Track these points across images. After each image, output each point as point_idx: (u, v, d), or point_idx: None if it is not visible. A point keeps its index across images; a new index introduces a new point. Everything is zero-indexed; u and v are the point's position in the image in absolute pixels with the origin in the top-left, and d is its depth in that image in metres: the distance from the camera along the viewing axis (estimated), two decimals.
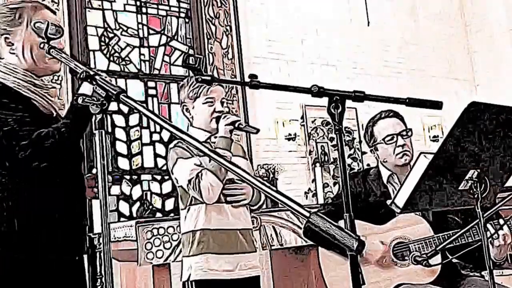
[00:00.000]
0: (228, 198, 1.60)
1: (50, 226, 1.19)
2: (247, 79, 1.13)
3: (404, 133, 1.78)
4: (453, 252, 1.57)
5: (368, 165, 3.63)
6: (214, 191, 1.52)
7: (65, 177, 1.23)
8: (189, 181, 1.53)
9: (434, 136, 4.36)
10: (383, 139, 1.78)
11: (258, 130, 1.64)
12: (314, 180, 3.62)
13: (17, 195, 1.15)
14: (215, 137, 1.65)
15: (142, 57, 3.35)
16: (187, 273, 1.58)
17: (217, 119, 1.62)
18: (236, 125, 1.59)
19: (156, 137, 3.33)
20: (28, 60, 1.24)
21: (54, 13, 1.32)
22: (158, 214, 3.17)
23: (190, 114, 1.67)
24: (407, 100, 1.11)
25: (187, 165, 1.54)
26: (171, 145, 1.65)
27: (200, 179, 1.51)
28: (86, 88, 1.20)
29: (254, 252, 1.67)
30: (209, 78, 1.19)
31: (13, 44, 1.24)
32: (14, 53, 1.24)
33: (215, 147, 1.57)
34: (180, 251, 2.32)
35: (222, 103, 1.65)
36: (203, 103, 1.63)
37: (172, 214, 3.16)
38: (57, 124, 1.18)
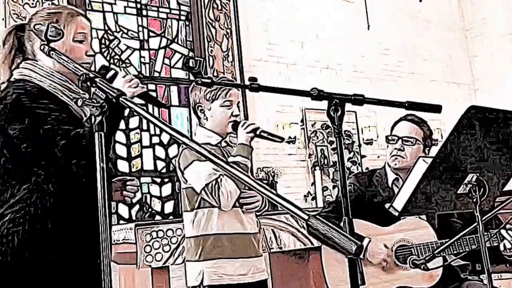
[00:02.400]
0: (245, 206, 1.59)
1: (82, 227, 1.19)
2: (247, 82, 1.14)
3: (408, 140, 1.76)
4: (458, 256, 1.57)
5: (367, 168, 3.63)
6: (233, 198, 1.51)
7: (94, 178, 1.25)
8: (207, 185, 1.50)
9: (434, 140, 4.36)
10: (387, 137, 1.79)
11: (282, 139, 1.62)
12: (313, 183, 3.62)
13: (52, 195, 1.16)
14: (226, 142, 1.65)
15: (142, 59, 3.36)
16: (198, 278, 1.54)
17: (234, 125, 1.60)
18: (258, 132, 1.57)
19: (155, 140, 3.33)
20: (62, 63, 1.25)
21: (89, 20, 1.36)
22: (158, 217, 3.16)
23: (204, 115, 1.64)
24: (406, 104, 1.11)
25: (204, 168, 1.52)
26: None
27: (219, 185, 1.49)
28: (118, 83, 1.23)
29: (261, 256, 1.67)
30: (209, 80, 1.19)
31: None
32: (48, 56, 1.24)
33: (235, 154, 1.56)
34: (180, 254, 2.33)
35: (238, 107, 1.65)
36: (220, 106, 1.61)
37: (171, 217, 3.16)
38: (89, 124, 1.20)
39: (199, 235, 1.56)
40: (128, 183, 1.38)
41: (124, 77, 1.26)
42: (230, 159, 1.55)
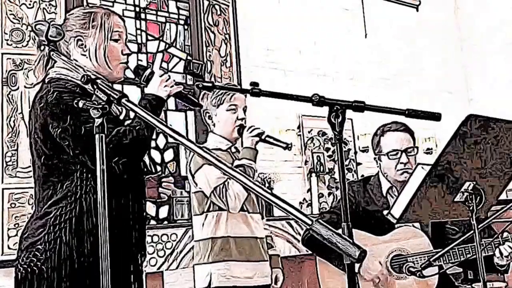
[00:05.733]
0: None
1: (122, 226, 1.19)
2: (247, 87, 1.14)
3: (410, 150, 1.77)
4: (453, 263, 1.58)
5: (362, 175, 3.64)
6: (240, 201, 1.53)
7: (133, 174, 1.25)
8: (215, 188, 1.53)
9: (428, 149, 4.40)
10: (388, 153, 1.77)
11: (287, 145, 1.63)
12: (309, 190, 3.62)
13: (96, 192, 1.14)
14: (235, 148, 1.67)
15: (140, 63, 3.35)
16: (206, 279, 1.56)
17: (240, 129, 1.62)
18: (263, 137, 1.58)
19: (151, 144, 3.32)
20: (100, 63, 1.27)
21: (123, 20, 1.36)
22: (152, 222, 3.13)
23: (212, 122, 1.68)
24: (406, 111, 1.12)
25: (213, 171, 1.53)
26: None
27: (227, 188, 1.51)
28: (153, 86, 1.24)
29: (267, 261, 1.68)
30: (209, 84, 1.19)
31: (85, 46, 1.27)
32: (85, 55, 1.27)
33: (241, 157, 1.57)
34: (174, 259, 2.31)
35: (244, 111, 1.67)
36: (226, 110, 1.64)
37: (166, 222, 3.13)
38: (131, 122, 1.20)
39: (208, 237, 1.58)
40: (163, 179, 1.39)
41: (161, 76, 1.27)
42: (236, 163, 1.57)
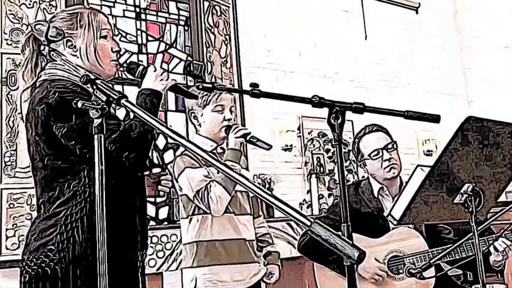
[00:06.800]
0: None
1: (125, 223, 1.19)
2: (247, 88, 1.14)
3: (389, 146, 1.79)
4: (451, 264, 1.58)
5: (362, 176, 3.64)
6: (223, 204, 1.50)
7: (141, 169, 1.25)
8: (197, 192, 1.50)
9: (428, 151, 4.40)
10: (369, 155, 1.78)
11: (270, 146, 1.59)
12: (309, 191, 3.63)
13: (106, 190, 1.13)
14: (222, 148, 1.64)
15: (140, 63, 3.35)
16: (191, 284, 1.54)
17: (227, 130, 1.59)
18: (248, 138, 1.56)
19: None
20: (92, 61, 1.26)
21: (108, 18, 1.36)
22: (152, 223, 3.13)
23: (197, 122, 1.65)
24: (405, 113, 1.12)
25: (195, 175, 1.52)
26: (178, 153, 1.63)
27: (209, 191, 1.49)
28: (149, 81, 1.25)
29: (259, 262, 1.66)
30: (210, 85, 1.19)
31: (75, 47, 1.26)
32: (76, 55, 1.26)
33: (225, 159, 1.54)
34: (174, 260, 2.31)
35: (231, 111, 1.64)
36: (212, 111, 1.61)
37: (165, 223, 3.13)
38: (134, 116, 1.17)
39: (193, 241, 1.56)
40: (162, 177, 1.39)
41: (155, 71, 1.27)
42: None
